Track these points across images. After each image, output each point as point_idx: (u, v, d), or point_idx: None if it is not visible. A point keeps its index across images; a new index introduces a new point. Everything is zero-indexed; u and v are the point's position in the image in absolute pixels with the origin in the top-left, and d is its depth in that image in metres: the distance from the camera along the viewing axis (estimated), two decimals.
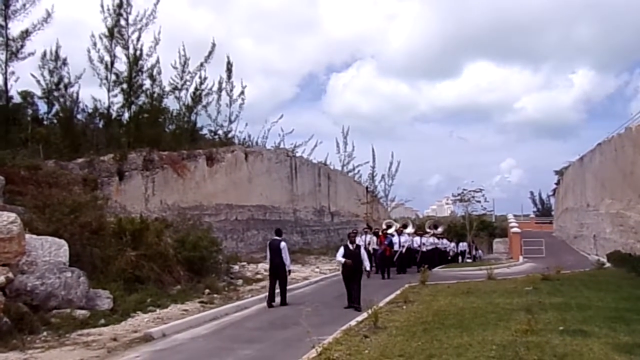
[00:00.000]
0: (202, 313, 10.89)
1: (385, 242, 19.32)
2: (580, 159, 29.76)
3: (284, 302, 11.99)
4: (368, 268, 11.75)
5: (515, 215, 49.46)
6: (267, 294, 12.19)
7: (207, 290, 13.27)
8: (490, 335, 7.21)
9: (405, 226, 24.29)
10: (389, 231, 21.85)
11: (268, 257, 12.32)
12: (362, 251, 11.79)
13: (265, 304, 11.97)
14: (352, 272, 11.49)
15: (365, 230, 21.31)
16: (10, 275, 9.12)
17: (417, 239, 22.06)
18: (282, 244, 12.04)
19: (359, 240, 17.69)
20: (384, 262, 18.67)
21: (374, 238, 19.75)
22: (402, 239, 20.69)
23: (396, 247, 19.81)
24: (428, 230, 27.11)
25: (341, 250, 11.68)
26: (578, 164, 30.66)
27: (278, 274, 12.00)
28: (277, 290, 12.13)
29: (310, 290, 15.31)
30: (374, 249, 18.92)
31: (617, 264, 18.25)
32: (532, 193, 70.10)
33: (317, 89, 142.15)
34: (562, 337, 7.00)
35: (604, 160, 23.58)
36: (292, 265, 13.50)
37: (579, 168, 30.29)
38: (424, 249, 22.08)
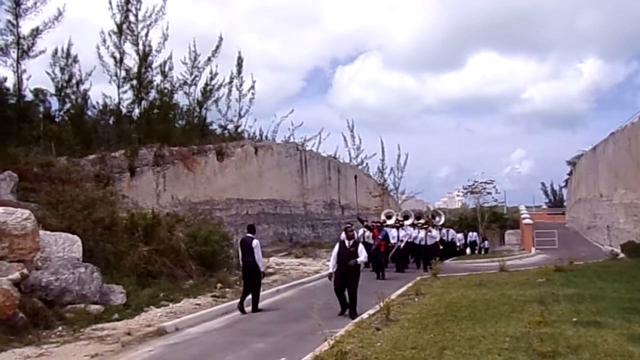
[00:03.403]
0: (215, 307, 10.96)
1: (380, 236, 17.04)
2: (593, 148, 29.42)
3: (255, 308, 10.72)
4: (359, 260, 9.91)
5: (527, 207, 49.08)
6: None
7: (219, 285, 13.34)
8: (503, 327, 7.18)
9: (406, 217, 21.71)
10: (389, 222, 19.65)
11: (240, 256, 11.12)
12: (360, 248, 10.16)
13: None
14: (346, 275, 9.85)
15: (367, 224, 19.41)
16: (25, 271, 9.23)
17: (416, 232, 19.57)
18: (255, 241, 10.78)
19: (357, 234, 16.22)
20: (379, 260, 16.44)
21: (368, 232, 18.04)
22: (402, 232, 18.48)
23: (393, 242, 17.80)
24: (431, 219, 24.59)
25: (336, 248, 10.20)
26: (591, 153, 30.32)
27: (251, 275, 10.79)
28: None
29: (322, 283, 15.30)
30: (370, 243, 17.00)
31: (631, 255, 18.07)
32: (543, 184, 69.31)
33: (323, 82, 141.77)
34: (575, 328, 6.95)
35: (617, 150, 23.30)
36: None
37: (591, 158, 29.97)
38: (428, 243, 19.54)
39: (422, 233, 19.60)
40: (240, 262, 11.15)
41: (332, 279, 10.07)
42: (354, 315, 9.37)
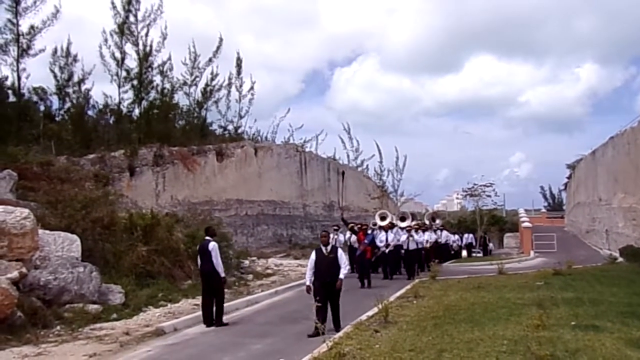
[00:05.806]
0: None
1: (366, 241, 15.48)
2: (592, 152, 29.43)
3: (219, 322, 9.40)
4: (342, 276, 8.72)
5: (526, 210, 49.14)
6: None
7: None
8: (502, 330, 7.17)
9: (403, 219, 19.69)
10: (381, 224, 17.40)
11: (199, 262, 9.89)
12: (340, 254, 8.97)
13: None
14: (327, 286, 8.67)
15: (352, 226, 17.80)
16: (24, 270, 9.22)
17: (402, 234, 17.25)
18: (212, 244, 9.59)
19: (340, 238, 15.72)
20: (364, 267, 14.93)
21: (354, 236, 16.57)
22: (390, 236, 16.52)
23: (381, 246, 16.22)
24: (427, 222, 23.20)
25: (313, 257, 8.89)
26: (590, 157, 30.34)
27: (211, 283, 9.50)
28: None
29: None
30: (355, 248, 15.94)
31: (630, 259, 18.06)
32: (542, 187, 69.52)
33: (321, 84, 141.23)
34: (574, 332, 6.94)
35: (617, 154, 23.32)
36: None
37: (590, 162, 29.98)
38: (410, 247, 17.12)
39: (405, 236, 17.24)
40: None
41: (310, 292, 8.80)
42: (338, 327, 8.47)
